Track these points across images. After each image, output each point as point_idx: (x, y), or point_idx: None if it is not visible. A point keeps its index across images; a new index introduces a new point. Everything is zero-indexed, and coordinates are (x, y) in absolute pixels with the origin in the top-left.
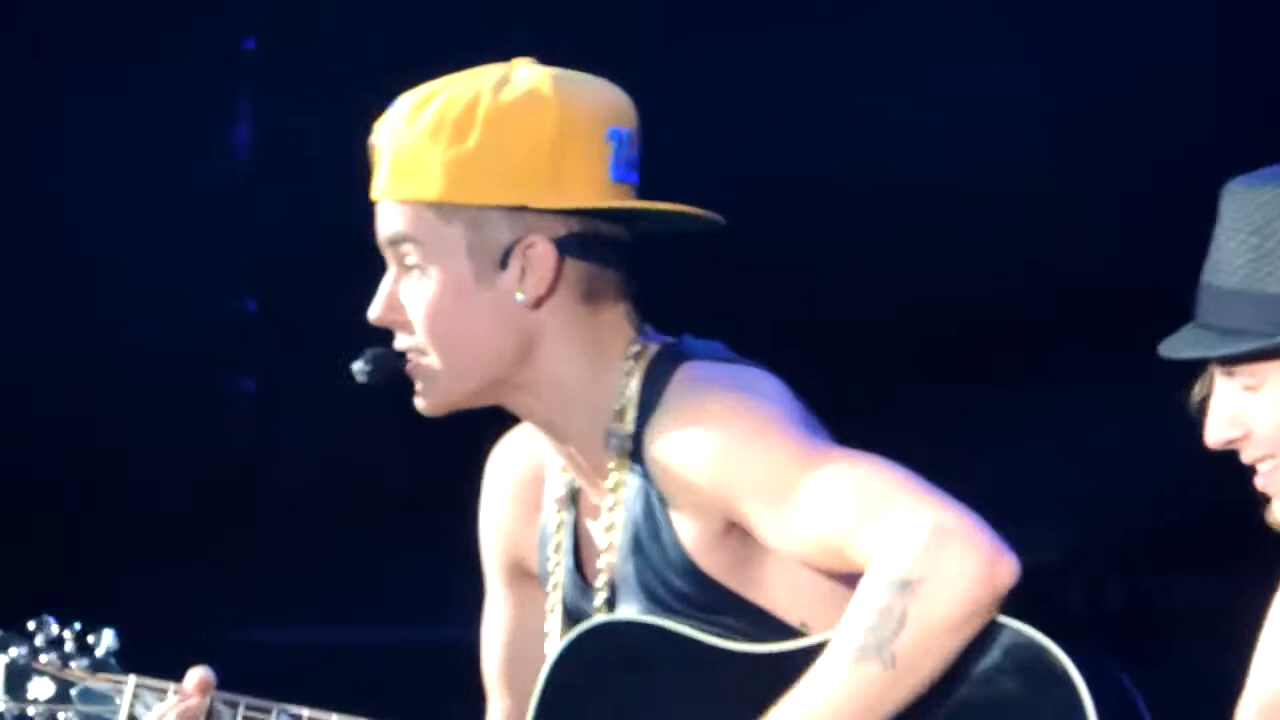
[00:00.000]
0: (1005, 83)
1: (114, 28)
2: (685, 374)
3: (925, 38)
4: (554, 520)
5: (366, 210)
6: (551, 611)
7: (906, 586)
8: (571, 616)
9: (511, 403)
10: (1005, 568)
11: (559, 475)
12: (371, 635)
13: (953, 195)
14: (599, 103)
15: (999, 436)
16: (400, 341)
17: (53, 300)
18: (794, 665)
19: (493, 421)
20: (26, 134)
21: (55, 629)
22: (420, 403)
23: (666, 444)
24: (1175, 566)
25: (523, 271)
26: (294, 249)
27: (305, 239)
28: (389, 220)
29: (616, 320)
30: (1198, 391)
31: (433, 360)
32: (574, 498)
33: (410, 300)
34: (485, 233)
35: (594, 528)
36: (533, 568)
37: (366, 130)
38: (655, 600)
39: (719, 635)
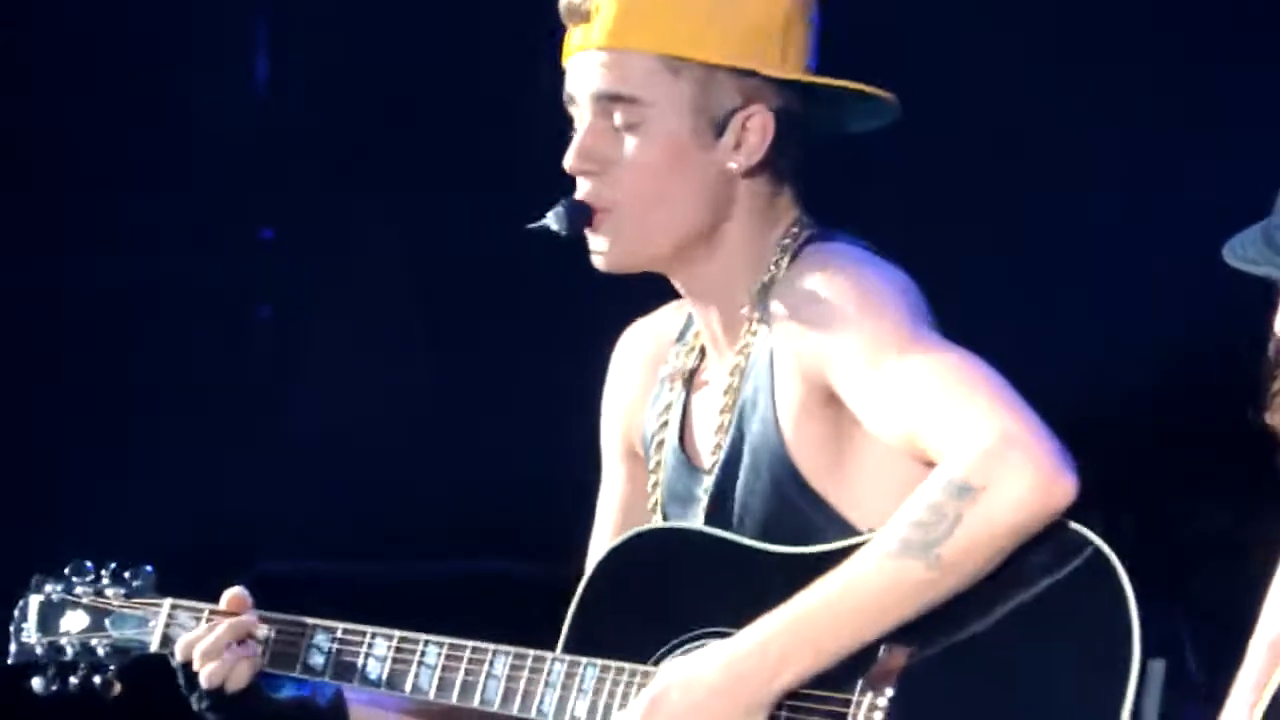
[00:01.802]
0: None
1: None
2: (819, 245)
3: None
4: (664, 399)
5: (392, 142)
6: (653, 491)
7: (965, 491)
8: (676, 502)
9: (683, 271)
10: (1064, 486)
11: (677, 355)
12: (399, 569)
13: None
14: None
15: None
16: (595, 194)
17: (69, 232)
18: (831, 565)
19: (516, 346)
20: (36, 63)
21: (91, 569)
22: (602, 259)
23: (785, 299)
24: (1191, 496)
25: (737, 140)
26: (312, 179)
27: (323, 169)
28: (608, 74)
29: (789, 201)
30: None
31: (630, 216)
32: (689, 378)
33: (619, 155)
34: (712, 93)
35: (706, 406)
36: (641, 448)
37: (384, 63)
38: (753, 480)
39: (759, 536)
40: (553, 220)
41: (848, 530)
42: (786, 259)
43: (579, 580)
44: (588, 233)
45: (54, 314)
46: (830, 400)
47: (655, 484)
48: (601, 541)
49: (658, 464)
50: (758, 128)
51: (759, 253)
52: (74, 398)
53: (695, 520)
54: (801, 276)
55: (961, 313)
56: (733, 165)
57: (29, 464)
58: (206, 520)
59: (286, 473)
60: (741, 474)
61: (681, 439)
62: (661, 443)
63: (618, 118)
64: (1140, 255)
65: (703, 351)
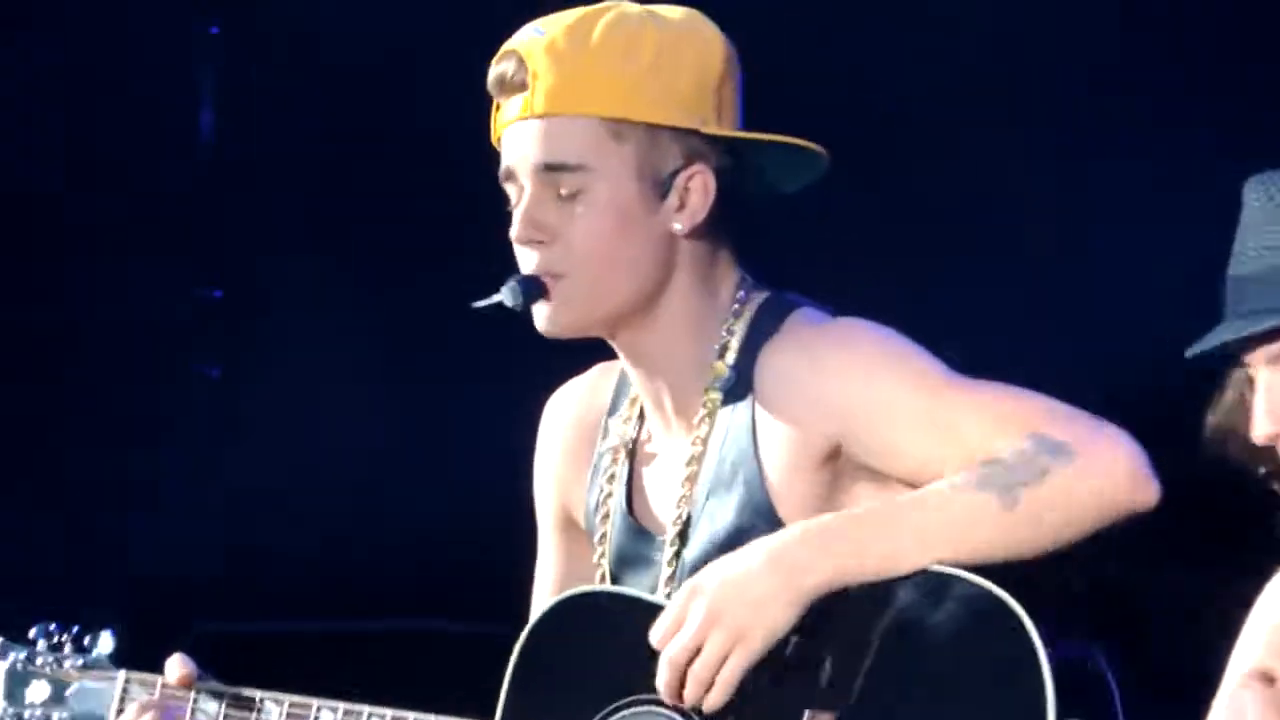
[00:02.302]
0: None
1: (81, 12)
2: (803, 314)
3: None
4: (606, 471)
5: (336, 194)
6: (598, 564)
7: (1060, 451)
8: (627, 566)
9: (624, 335)
10: (1151, 487)
11: (618, 425)
12: (345, 626)
13: None
14: (731, 45)
15: None
16: (545, 264)
17: (25, 284)
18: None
19: (467, 401)
20: None
21: (55, 633)
22: (549, 324)
23: (790, 363)
24: (1155, 559)
25: (681, 201)
26: (259, 236)
27: (270, 226)
28: (551, 144)
29: (729, 261)
30: (1228, 399)
31: (582, 283)
32: (631, 448)
33: (566, 223)
34: (656, 154)
35: (657, 474)
36: (581, 518)
37: (328, 114)
38: (722, 545)
39: None
40: (507, 296)
41: None
42: (742, 324)
43: (516, 638)
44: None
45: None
46: (827, 461)
47: (602, 553)
48: (541, 605)
49: (604, 534)
50: (700, 187)
51: (702, 315)
52: (8, 454)
53: (654, 584)
54: (796, 345)
55: None
56: (677, 226)
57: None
58: (144, 580)
59: (224, 532)
60: (710, 539)
61: (630, 506)
62: (607, 513)
63: (562, 186)
64: (1102, 322)
65: (641, 417)
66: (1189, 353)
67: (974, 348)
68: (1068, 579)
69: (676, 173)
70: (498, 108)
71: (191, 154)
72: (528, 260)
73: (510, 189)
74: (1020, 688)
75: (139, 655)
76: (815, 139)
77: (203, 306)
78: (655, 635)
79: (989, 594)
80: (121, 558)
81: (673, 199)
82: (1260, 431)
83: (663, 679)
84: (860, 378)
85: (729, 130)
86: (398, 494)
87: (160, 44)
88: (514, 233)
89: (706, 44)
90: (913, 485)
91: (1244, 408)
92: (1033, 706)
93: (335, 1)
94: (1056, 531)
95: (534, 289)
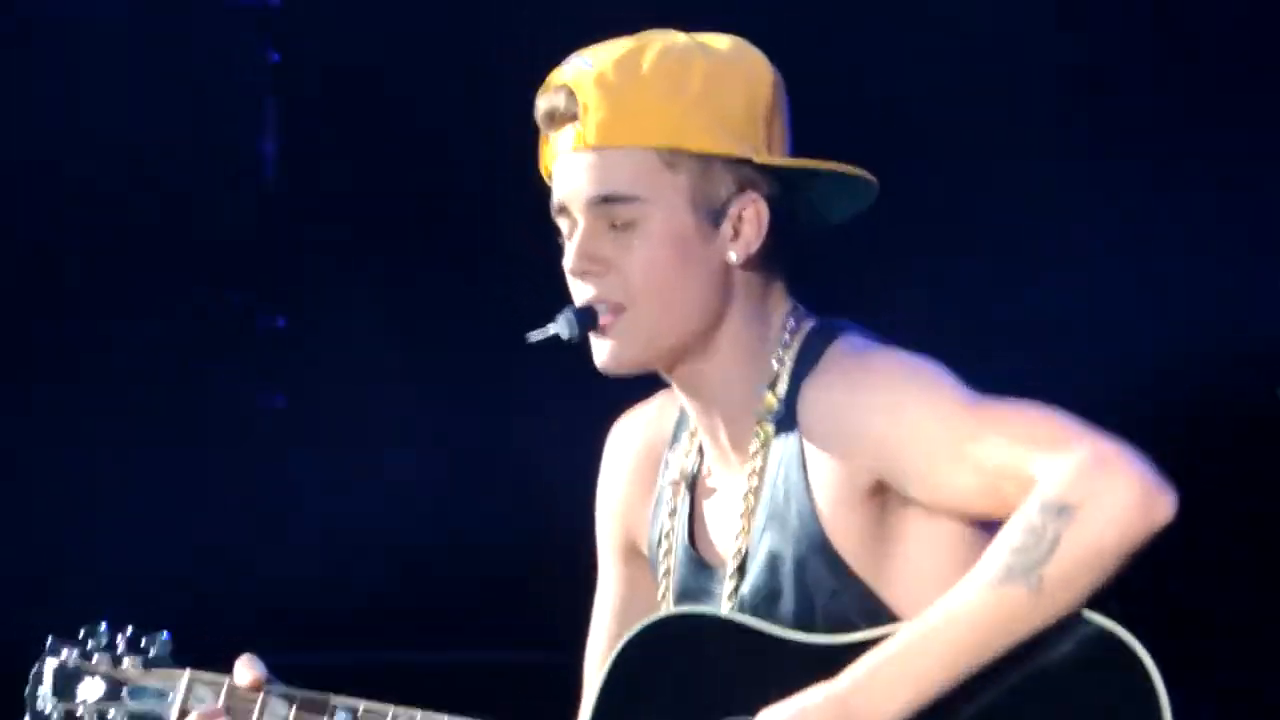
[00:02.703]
0: None
1: (138, 43)
2: (845, 343)
3: None
4: (668, 505)
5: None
6: (663, 598)
7: (1063, 511)
8: (689, 599)
9: (681, 368)
10: (1165, 501)
11: (678, 458)
12: (409, 658)
13: None
14: (778, 73)
15: None
16: (602, 296)
17: (81, 305)
18: (855, 656)
19: (531, 430)
20: (50, 146)
21: (107, 634)
22: (609, 359)
23: (829, 395)
24: (1213, 576)
25: (735, 230)
26: (323, 264)
27: (335, 254)
28: (604, 175)
29: (782, 291)
30: None
31: (639, 314)
32: (691, 482)
33: (621, 254)
34: (709, 184)
35: (717, 507)
36: (643, 548)
37: (394, 141)
38: (779, 578)
39: (808, 626)
40: (562, 328)
41: (893, 617)
42: (791, 355)
43: (579, 669)
44: (592, 336)
45: (71, 397)
46: (874, 494)
47: (666, 586)
48: (599, 639)
49: (667, 569)
50: (753, 217)
51: (756, 347)
52: (74, 484)
53: None
54: (835, 378)
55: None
56: (732, 256)
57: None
58: (210, 612)
59: (289, 563)
60: (768, 572)
61: (691, 539)
62: (670, 547)
63: (616, 218)
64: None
65: (700, 450)
66: None
67: (993, 352)
68: (1129, 602)
69: (729, 202)
70: (545, 140)
71: (255, 182)
72: (582, 293)
73: (563, 223)
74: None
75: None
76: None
77: (267, 334)
78: None
79: (1109, 633)
80: (183, 589)
81: (727, 228)
82: None
83: None
84: (891, 414)
85: (780, 159)
86: (461, 524)
87: (224, 72)
88: (568, 264)
89: (755, 72)
90: (954, 516)
91: None
92: None
93: (397, 33)
94: (1090, 587)
95: (588, 320)
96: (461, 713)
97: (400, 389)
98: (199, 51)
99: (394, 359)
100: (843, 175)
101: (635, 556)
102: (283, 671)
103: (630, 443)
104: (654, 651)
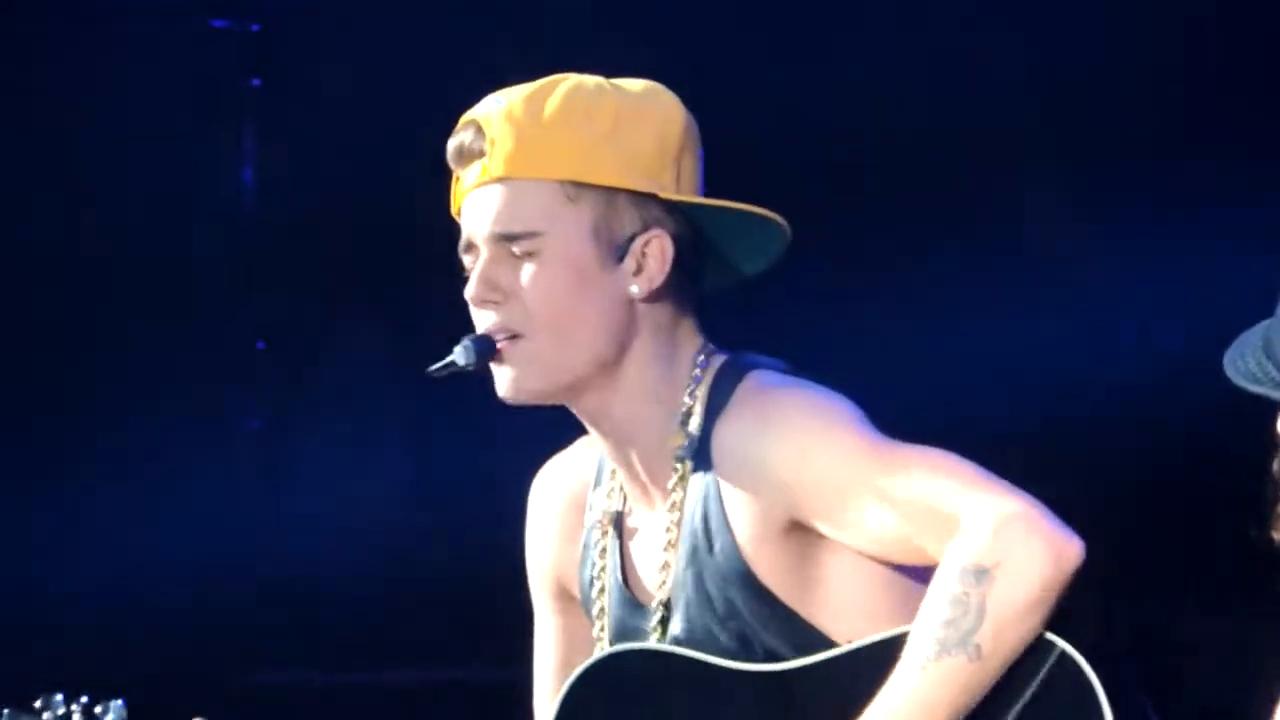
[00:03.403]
0: None
1: (115, 68)
2: (756, 378)
3: None
4: (596, 545)
5: (375, 244)
6: (599, 638)
7: (982, 574)
8: (626, 638)
9: (589, 402)
10: (1072, 550)
11: (600, 500)
12: (386, 677)
13: None
14: (691, 117)
15: None
16: (502, 324)
17: (59, 334)
18: (810, 680)
19: (501, 447)
20: (29, 170)
21: (62, 704)
22: (509, 389)
23: (738, 437)
24: (1186, 596)
25: (638, 265)
26: (301, 287)
27: (312, 277)
28: (505, 211)
29: (691, 328)
30: None
31: (537, 344)
32: (616, 521)
33: (522, 282)
34: (612, 218)
35: (642, 545)
36: (578, 593)
37: (370, 164)
38: (708, 614)
39: (745, 658)
40: (459, 355)
41: (827, 644)
42: (703, 391)
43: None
44: (493, 365)
45: (51, 419)
46: (791, 530)
47: (601, 626)
48: (544, 684)
49: (601, 609)
50: (657, 252)
51: (663, 384)
52: (51, 504)
53: None
54: (744, 418)
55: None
56: (634, 289)
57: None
58: (176, 630)
59: (262, 582)
60: (693, 606)
61: (624, 579)
62: (603, 587)
63: (516, 249)
64: (1138, 350)
65: (622, 489)
66: (1227, 368)
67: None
68: (1108, 624)
69: (634, 237)
70: (456, 180)
71: (235, 206)
72: (482, 321)
73: (468, 259)
74: None
75: (172, 708)
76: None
77: (245, 357)
78: None
79: (1054, 646)
80: (156, 606)
81: (630, 263)
82: None
83: None
84: (800, 455)
85: (687, 196)
86: (437, 543)
87: (202, 97)
88: (469, 293)
89: (667, 112)
90: (871, 555)
91: None
92: None
93: (377, 54)
94: (1023, 640)
95: (486, 348)
96: None
97: (381, 406)
98: (179, 74)
99: (374, 380)
100: (753, 218)
101: (569, 602)
102: (259, 692)
103: (553, 489)
104: (602, 690)
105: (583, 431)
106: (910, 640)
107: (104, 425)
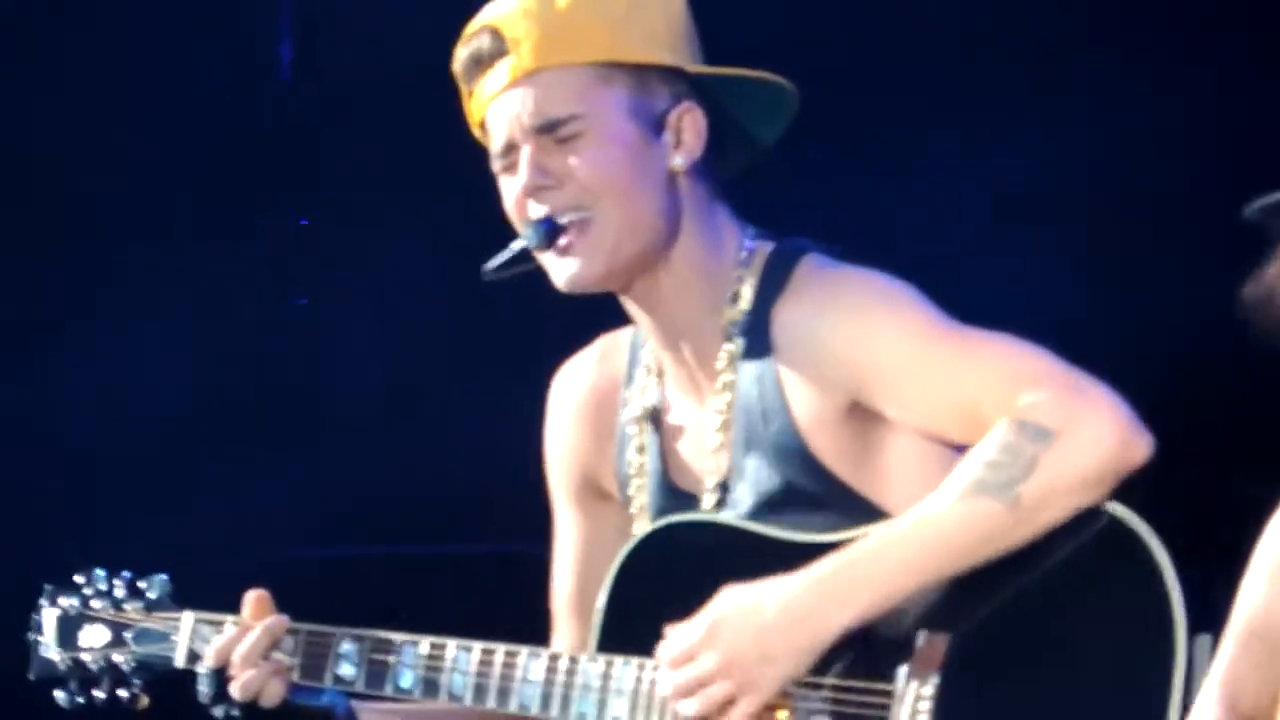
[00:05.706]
0: None
1: None
2: (814, 260)
3: None
4: (633, 442)
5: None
6: (638, 524)
7: (1041, 434)
8: None
9: (642, 285)
10: (1141, 444)
11: (636, 395)
12: (421, 550)
13: None
14: None
15: None
16: (563, 206)
17: (100, 224)
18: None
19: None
20: (63, 44)
21: (104, 579)
22: (575, 273)
23: (800, 318)
24: (1229, 464)
25: (676, 138)
26: (341, 167)
27: (353, 157)
28: (540, 101)
29: (727, 209)
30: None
31: (604, 217)
32: (653, 415)
33: (573, 164)
34: (645, 94)
35: (686, 434)
36: (608, 488)
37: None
38: (764, 496)
39: (801, 530)
40: (529, 237)
41: (869, 512)
42: (754, 274)
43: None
44: (553, 256)
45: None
46: (853, 411)
47: (642, 519)
48: (564, 580)
49: (641, 503)
50: (691, 124)
51: (712, 262)
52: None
53: None
54: (805, 300)
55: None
56: (678, 161)
57: (38, 464)
58: (220, 512)
59: (298, 461)
60: (756, 494)
61: (665, 470)
62: (643, 482)
63: (561, 133)
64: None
65: (659, 382)
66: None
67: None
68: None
69: (668, 111)
70: (470, 95)
71: (271, 85)
72: (538, 211)
73: (504, 164)
74: (1148, 603)
75: (207, 587)
76: None
77: (288, 235)
78: (665, 657)
79: (1109, 515)
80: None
81: (668, 137)
82: None
83: (666, 690)
84: (864, 336)
85: (710, 68)
86: (479, 420)
87: None
88: (522, 186)
89: None
90: (925, 436)
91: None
92: (1163, 623)
93: None
94: (1065, 511)
95: (553, 230)
96: (470, 605)
97: (419, 287)
98: None
99: (412, 259)
100: (764, 86)
101: (593, 498)
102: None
103: (577, 386)
104: (655, 560)
105: (606, 329)
106: (951, 476)
107: (143, 301)
